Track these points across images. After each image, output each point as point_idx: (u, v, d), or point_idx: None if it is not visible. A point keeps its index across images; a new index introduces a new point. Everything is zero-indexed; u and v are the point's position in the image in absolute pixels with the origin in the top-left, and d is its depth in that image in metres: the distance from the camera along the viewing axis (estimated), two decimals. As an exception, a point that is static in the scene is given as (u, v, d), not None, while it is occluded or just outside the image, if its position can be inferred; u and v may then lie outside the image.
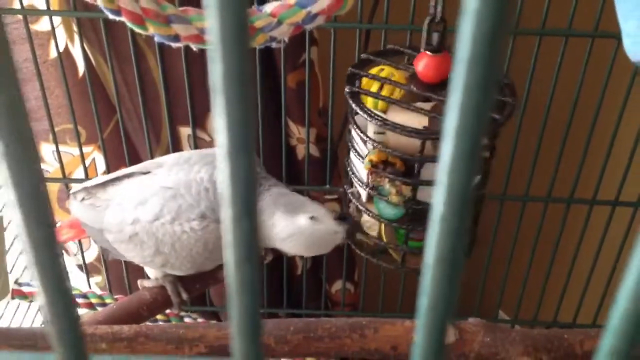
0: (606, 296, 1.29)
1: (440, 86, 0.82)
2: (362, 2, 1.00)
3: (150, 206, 0.86)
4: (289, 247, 0.84)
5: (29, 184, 0.14)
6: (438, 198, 0.16)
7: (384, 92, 0.82)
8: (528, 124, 1.07)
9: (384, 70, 0.84)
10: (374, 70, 0.84)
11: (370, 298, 1.41)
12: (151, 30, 0.70)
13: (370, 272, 1.30)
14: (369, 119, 0.79)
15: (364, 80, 0.84)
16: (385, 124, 0.77)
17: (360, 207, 0.89)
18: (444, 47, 0.81)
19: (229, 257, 0.16)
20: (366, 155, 0.83)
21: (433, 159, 0.80)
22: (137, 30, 0.70)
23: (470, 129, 0.14)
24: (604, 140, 1.09)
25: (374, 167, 0.82)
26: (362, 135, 0.83)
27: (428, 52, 0.81)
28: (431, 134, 0.77)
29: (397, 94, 0.82)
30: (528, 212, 1.18)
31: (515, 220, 1.20)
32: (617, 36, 0.69)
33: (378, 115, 0.78)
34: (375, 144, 0.81)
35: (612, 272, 1.25)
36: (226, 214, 0.15)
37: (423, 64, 0.81)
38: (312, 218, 0.80)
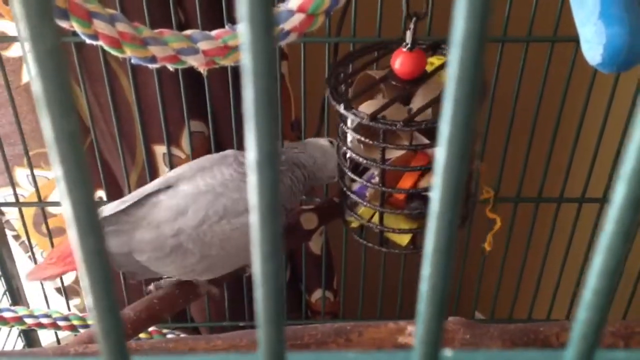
0: (578, 291, 1.33)
1: (415, 82, 0.85)
2: (330, 17, 1.03)
3: (193, 213, 0.86)
4: (330, 168, 0.97)
5: (85, 202, 0.16)
6: (434, 196, 0.18)
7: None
8: (494, 128, 1.11)
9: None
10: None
11: (349, 306, 1.43)
12: (128, 52, 0.71)
13: (349, 279, 1.32)
14: (351, 115, 0.81)
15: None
16: (371, 119, 0.79)
17: (366, 204, 0.91)
18: (417, 44, 0.84)
19: (256, 253, 0.18)
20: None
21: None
22: (115, 53, 0.72)
23: (460, 136, 0.17)
24: (568, 139, 1.13)
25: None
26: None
27: (403, 50, 0.84)
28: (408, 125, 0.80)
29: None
30: (499, 214, 1.21)
31: (487, 223, 1.23)
32: (576, 39, 0.72)
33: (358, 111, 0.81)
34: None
35: (583, 267, 1.28)
36: (254, 217, 0.18)
37: (399, 61, 0.84)
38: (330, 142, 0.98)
